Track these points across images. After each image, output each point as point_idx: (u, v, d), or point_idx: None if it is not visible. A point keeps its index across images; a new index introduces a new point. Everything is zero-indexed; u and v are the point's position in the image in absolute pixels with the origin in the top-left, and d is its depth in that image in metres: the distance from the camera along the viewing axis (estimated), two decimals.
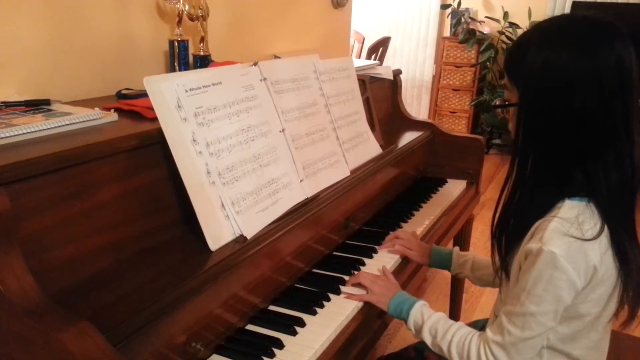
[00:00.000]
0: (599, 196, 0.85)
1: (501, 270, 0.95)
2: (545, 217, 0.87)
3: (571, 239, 0.83)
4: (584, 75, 0.81)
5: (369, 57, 4.06)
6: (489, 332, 0.92)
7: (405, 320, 1.06)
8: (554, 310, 0.85)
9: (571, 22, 0.88)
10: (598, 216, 0.85)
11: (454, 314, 2.12)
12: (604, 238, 0.85)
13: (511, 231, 0.93)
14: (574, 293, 0.84)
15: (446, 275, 2.41)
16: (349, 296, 1.14)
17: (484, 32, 4.52)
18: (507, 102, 0.94)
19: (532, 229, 0.88)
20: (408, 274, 1.35)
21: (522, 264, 0.88)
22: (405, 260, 1.35)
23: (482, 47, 4.43)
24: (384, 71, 1.97)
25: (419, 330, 1.03)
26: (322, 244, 1.30)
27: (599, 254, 0.84)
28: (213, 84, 1.07)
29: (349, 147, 1.48)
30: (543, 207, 0.88)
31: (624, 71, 0.82)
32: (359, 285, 1.16)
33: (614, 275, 0.86)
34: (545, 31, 0.88)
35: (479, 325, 1.09)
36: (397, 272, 1.30)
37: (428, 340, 1.01)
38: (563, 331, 0.90)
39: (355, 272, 1.23)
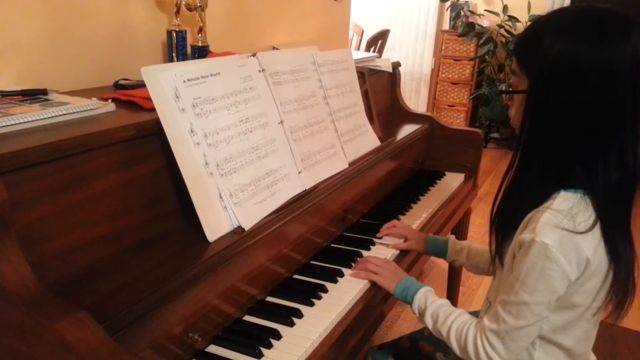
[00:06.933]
0: (595, 191, 0.85)
1: (496, 256, 0.96)
2: (539, 207, 0.87)
3: (563, 231, 0.83)
4: (599, 66, 0.81)
5: (367, 50, 4.05)
6: (485, 320, 0.93)
7: (410, 304, 1.09)
8: (547, 301, 0.86)
9: (589, 12, 0.86)
10: (592, 209, 0.85)
11: None
12: (597, 230, 0.85)
13: (507, 219, 0.94)
14: (567, 283, 0.85)
15: (443, 268, 2.42)
16: (356, 274, 1.17)
17: (484, 25, 4.51)
18: (513, 88, 0.93)
19: (526, 218, 0.89)
20: (405, 266, 1.35)
21: (516, 254, 0.89)
22: (402, 253, 1.35)
23: (481, 41, 4.42)
24: (383, 64, 1.96)
25: (421, 314, 1.05)
26: (320, 236, 1.30)
27: (592, 246, 0.84)
28: (211, 75, 1.06)
29: (347, 140, 1.48)
30: (539, 197, 0.88)
31: (638, 64, 0.81)
32: (365, 270, 1.18)
33: (605, 267, 0.87)
34: (563, 19, 0.87)
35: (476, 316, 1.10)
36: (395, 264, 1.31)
37: (429, 324, 1.03)
38: (555, 321, 0.90)
39: (353, 264, 1.23)
